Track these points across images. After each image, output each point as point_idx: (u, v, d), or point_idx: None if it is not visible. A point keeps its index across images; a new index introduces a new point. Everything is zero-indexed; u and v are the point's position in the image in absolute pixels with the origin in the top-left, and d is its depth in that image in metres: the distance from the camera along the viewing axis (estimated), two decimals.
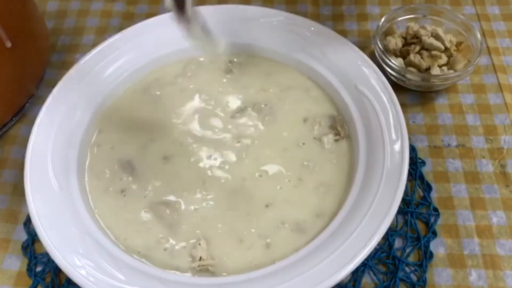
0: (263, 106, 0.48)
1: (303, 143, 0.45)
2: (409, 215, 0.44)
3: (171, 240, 0.41)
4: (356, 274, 0.41)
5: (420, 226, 0.43)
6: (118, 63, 0.49)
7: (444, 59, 0.50)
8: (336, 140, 0.45)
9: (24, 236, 0.44)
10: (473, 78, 0.52)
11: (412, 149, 0.47)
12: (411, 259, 0.42)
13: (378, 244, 0.39)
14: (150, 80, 0.50)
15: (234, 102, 0.48)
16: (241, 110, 0.47)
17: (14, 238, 0.44)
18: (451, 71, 0.49)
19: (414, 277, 0.41)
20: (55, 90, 0.46)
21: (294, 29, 0.50)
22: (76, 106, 0.46)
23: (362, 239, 0.37)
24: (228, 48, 0.50)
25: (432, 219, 0.43)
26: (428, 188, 0.45)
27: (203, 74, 0.50)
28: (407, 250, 0.42)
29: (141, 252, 0.40)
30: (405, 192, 0.44)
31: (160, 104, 0.48)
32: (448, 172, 0.46)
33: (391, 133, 0.42)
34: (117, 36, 0.49)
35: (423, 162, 0.47)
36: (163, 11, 0.59)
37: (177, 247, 0.40)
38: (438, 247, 0.42)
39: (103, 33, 0.58)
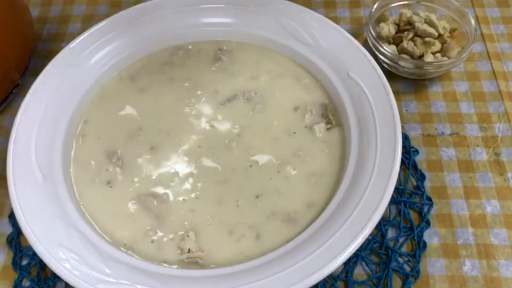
0: (253, 94, 0.47)
1: (294, 132, 0.44)
2: (402, 204, 0.43)
3: (158, 232, 0.40)
4: (348, 265, 0.40)
5: (413, 216, 0.43)
6: (104, 51, 0.48)
7: (437, 46, 0.49)
8: (328, 129, 0.44)
9: (9, 229, 0.44)
10: (467, 65, 0.51)
11: (405, 137, 0.46)
12: (404, 249, 0.41)
13: (371, 235, 0.39)
14: (137, 68, 0.49)
15: (223, 91, 0.47)
16: (230, 99, 0.47)
17: None
18: (445, 58, 0.49)
19: (407, 268, 0.40)
20: (39, 80, 0.45)
21: (286, 16, 0.49)
22: (61, 95, 0.45)
23: (354, 229, 0.36)
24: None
25: (426, 209, 0.43)
26: (421, 177, 0.44)
27: (192, 62, 0.49)
28: (400, 240, 0.42)
29: (127, 244, 0.39)
30: (398, 181, 0.43)
31: (147, 93, 0.47)
32: (442, 161, 0.45)
33: (383, 121, 0.42)
34: (102, 23, 0.48)
35: (417, 151, 0.46)
36: None
37: (165, 239, 0.39)
38: (431, 237, 0.42)
39: (90, 21, 0.57)
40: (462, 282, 0.39)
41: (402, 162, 0.44)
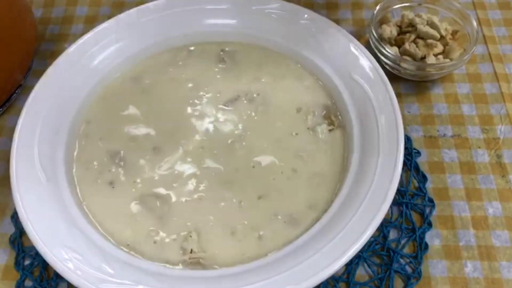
0: (255, 95, 0.47)
1: (297, 133, 0.44)
2: (404, 206, 0.43)
3: (161, 233, 0.40)
4: (350, 266, 0.40)
5: (415, 217, 0.43)
6: (107, 52, 0.48)
7: (439, 47, 0.49)
8: (330, 130, 0.45)
9: (11, 229, 0.44)
10: (469, 67, 0.51)
11: (407, 139, 0.46)
12: (406, 250, 0.41)
13: (373, 236, 0.39)
14: (139, 69, 0.49)
15: (226, 92, 0.47)
16: (233, 100, 0.47)
17: (2, 231, 0.43)
18: (447, 60, 0.49)
19: (409, 269, 0.40)
20: (42, 80, 0.45)
21: (288, 17, 0.49)
22: (64, 96, 0.45)
23: (356, 230, 0.36)
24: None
25: (428, 210, 0.43)
26: (423, 178, 0.44)
27: (195, 63, 0.49)
28: (402, 242, 0.42)
29: (130, 244, 0.39)
30: (400, 183, 0.43)
31: (150, 93, 0.47)
32: (444, 163, 0.45)
33: (385, 123, 0.42)
34: (105, 25, 0.48)
35: (418, 153, 0.46)
36: None
37: (167, 240, 0.40)
38: (433, 239, 0.42)
39: (92, 22, 0.57)
40: (464, 283, 0.39)
41: (404, 163, 0.44)
